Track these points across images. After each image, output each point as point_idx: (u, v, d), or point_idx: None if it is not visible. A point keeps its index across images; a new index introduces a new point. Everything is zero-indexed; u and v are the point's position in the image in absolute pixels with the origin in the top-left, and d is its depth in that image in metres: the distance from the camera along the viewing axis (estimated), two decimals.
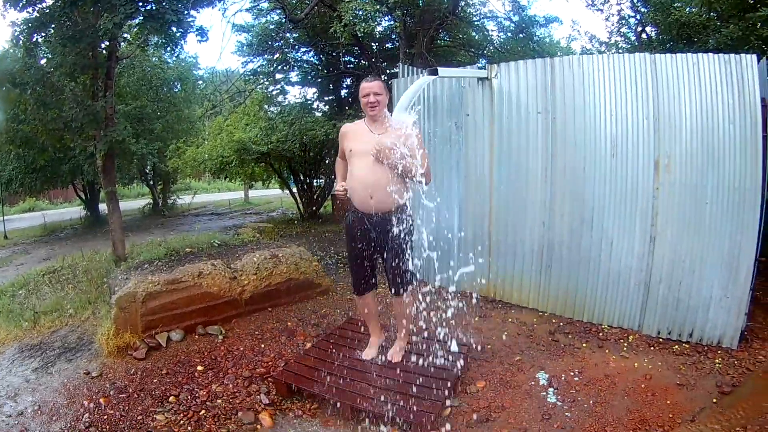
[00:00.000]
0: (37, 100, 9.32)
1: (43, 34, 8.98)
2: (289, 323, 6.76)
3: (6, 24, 9.09)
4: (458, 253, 7.65)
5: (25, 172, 18.26)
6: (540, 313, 6.85)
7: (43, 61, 9.57)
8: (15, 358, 6.13)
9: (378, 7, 9.73)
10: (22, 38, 8.77)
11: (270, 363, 5.70)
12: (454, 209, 7.62)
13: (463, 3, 14.32)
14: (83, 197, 21.95)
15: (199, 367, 5.60)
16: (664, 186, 5.84)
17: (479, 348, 5.60)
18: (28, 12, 8.65)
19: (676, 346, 5.77)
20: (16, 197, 27.14)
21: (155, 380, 5.36)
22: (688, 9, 10.95)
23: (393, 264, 4.75)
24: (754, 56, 5.33)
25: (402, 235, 4.71)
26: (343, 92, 16.85)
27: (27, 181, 18.91)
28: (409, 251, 4.79)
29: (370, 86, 4.75)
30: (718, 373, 5.16)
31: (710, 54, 5.57)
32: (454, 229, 7.60)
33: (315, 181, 17.00)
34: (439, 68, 5.93)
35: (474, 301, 7.12)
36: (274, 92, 16.95)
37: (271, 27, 14.86)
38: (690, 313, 5.81)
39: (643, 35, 13.49)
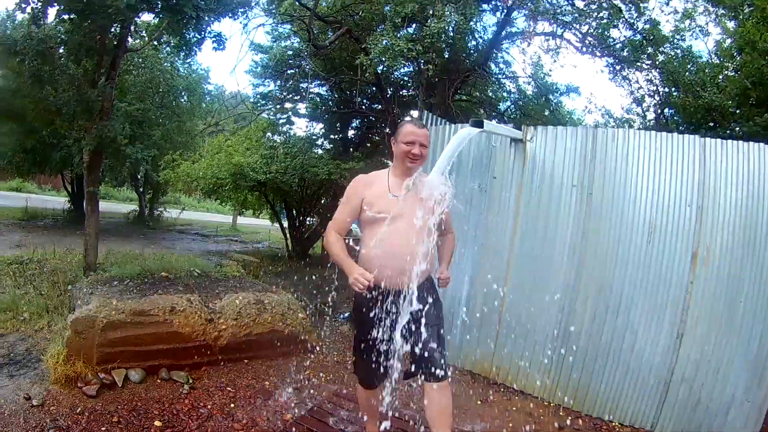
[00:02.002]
0: (33, 74, 8.70)
1: (57, 7, 8.53)
2: (266, 382, 6.01)
3: None
4: (462, 327, 7.05)
5: (15, 151, 18.13)
6: (546, 404, 6.25)
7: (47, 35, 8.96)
8: None
9: (410, 45, 9.25)
10: (31, 5, 8.31)
11: None
12: (464, 279, 7.04)
13: (488, 59, 14.01)
14: (69, 190, 21.82)
15: (157, 422, 4.82)
16: (700, 280, 5.45)
17: None
18: None
19: None
20: (5, 174, 26.84)
21: (103, 428, 4.62)
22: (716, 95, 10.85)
23: (431, 344, 3.72)
24: None
25: (436, 306, 3.86)
26: (351, 133, 16.79)
27: (16, 160, 18.85)
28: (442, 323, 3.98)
29: (417, 133, 3.83)
30: None
31: (760, 143, 5.33)
32: (461, 299, 7.06)
33: (309, 219, 16.57)
34: (484, 121, 5.51)
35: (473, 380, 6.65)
36: (280, 120, 16.61)
37: (289, 53, 14.57)
38: (708, 415, 5.40)
39: (662, 116, 13.39)
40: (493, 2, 11.84)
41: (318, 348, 7.07)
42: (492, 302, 6.72)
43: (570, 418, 5.90)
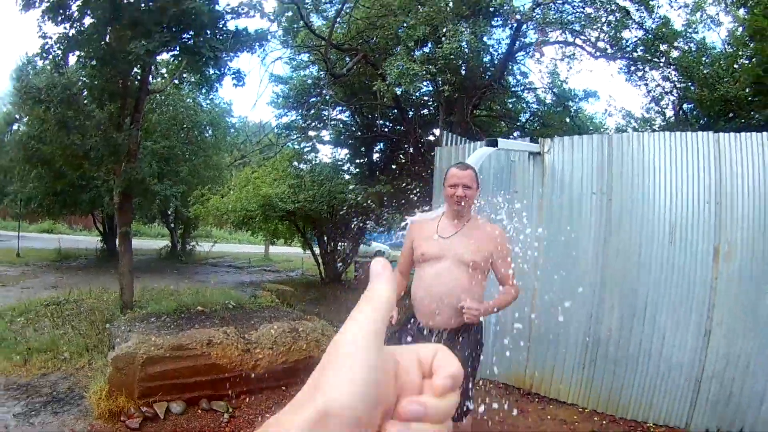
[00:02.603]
0: (60, 121, 8.96)
1: (77, 53, 8.76)
2: None
3: (39, 35, 8.78)
4: (494, 339, 7.09)
5: (45, 193, 18.18)
6: (581, 410, 6.27)
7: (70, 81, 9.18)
8: None
9: (425, 67, 9.36)
10: (53, 53, 8.55)
11: None
12: (494, 292, 6.98)
13: (504, 73, 14.06)
14: (100, 229, 22.01)
15: None
16: (723, 276, 5.47)
17: None
18: (64, 27, 8.52)
19: None
20: (36, 216, 27.11)
21: None
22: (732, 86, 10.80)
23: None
24: None
25: (471, 350, 3.92)
26: (375, 156, 16.79)
27: (46, 203, 18.90)
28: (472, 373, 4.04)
29: (460, 176, 3.90)
30: None
31: None
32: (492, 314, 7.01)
33: (340, 244, 16.60)
34: (498, 140, 5.55)
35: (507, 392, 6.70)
36: (305, 149, 16.81)
37: (309, 82, 14.79)
38: (740, 409, 5.37)
39: (681, 112, 13.30)
40: (501, 18, 11.90)
41: None
42: (521, 313, 6.76)
43: (604, 422, 5.94)
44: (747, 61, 11.82)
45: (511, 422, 5.85)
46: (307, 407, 0.51)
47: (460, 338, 3.87)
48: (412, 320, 4.02)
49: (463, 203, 3.88)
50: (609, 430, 5.78)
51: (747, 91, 10.94)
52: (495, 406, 5.75)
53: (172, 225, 24.04)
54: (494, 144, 5.54)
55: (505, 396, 6.55)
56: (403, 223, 4.45)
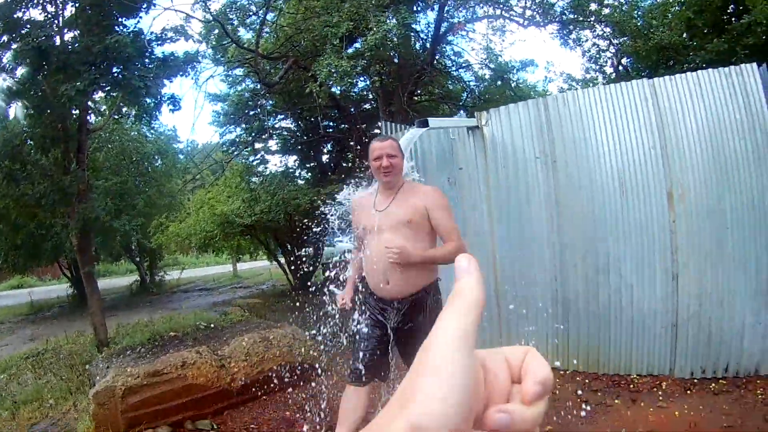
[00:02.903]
0: (7, 175, 8.86)
1: (17, 104, 8.83)
2: (287, 412, 6.09)
3: None
4: None
5: (7, 249, 18.13)
6: (561, 372, 6.30)
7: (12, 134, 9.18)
8: None
9: (353, 62, 9.46)
10: None
11: None
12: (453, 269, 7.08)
13: (438, 55, 14.18)
14: (69, 275, 21.75)
15: None
16: (681, 217, 5.54)
17: None
18: (2, 78, 8.61)
19: (713, 385, 5.40)
20: (2, 273, 26.96)
21: None
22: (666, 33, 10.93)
23: (412, 356, 3.84)
24: (754, 65, 5.22)
25: (431, 324, 3.91)
26: (324, 158, 16.94)
27: (10, 258, 18.84)
28: None
29: (381, 147, 3.96)
30: (762, 404, 4.89)
31: (710, 70, 5.42)
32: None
33: (303, 250, 16.64)
34: (429, 119, 5.61)
35: None
36: (254, 162, 16.84)
37: (246, 95, 14.82)
38: (723, 347, 5.47)
39: (620, 67, 13.49)
40: (423, 2, 12.00)
41: (329, 370, 7.17)
42: (486, 289, 6.80)
43: (587, 380, 6.00)
44: (678, 8, 12.02)
45: None
46: (399, 419, 0.49)
47: (421, 303, 3.94)
48: (369, 294, 4.09)
49: (390, 172, 3.93)
50: (593, 388, 5.81)
51: (682, 37, 11.14)
52: None
53: (138, 259, 23.84)
54: (425, 124, 5.53)
55: None
56: (341, 200, 4.54)
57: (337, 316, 4.68)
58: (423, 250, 3.88)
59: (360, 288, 4.28)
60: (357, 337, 4.13)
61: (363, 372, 4.03)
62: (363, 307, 4.13)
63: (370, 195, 4.18)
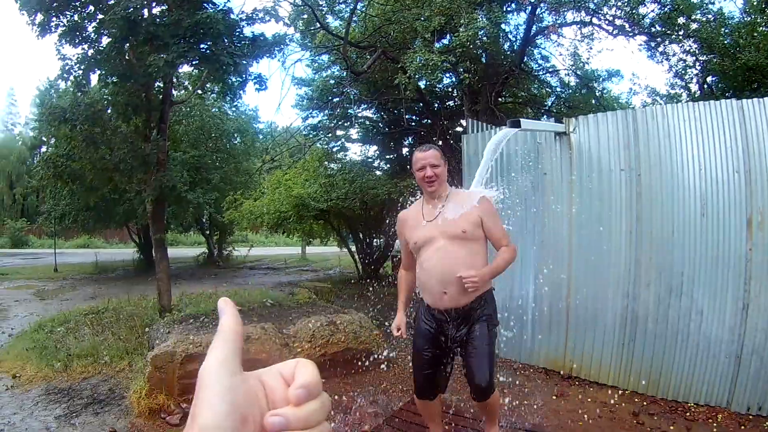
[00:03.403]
0: (86, 138, 9.06)
1: (99, 72, 8.91)
2: (345, 398, 6.12)
3: (58, 58, 8.98)
4: (533, 325, 7.07)
5: (78, 209, 18.51)
6: (620, 392, 6.18)
7: (93, 99, 9.39)
8: (39, 401, 5.91)
9: (444, 57, 9.40)
10: (74, 74, 8.70)
11: None
12: (530, 277, 7.05)
13: (525, 58, 14.03)
14: (137, 240, 22.29)
15: None
16: (758, 246, 5.32)
17: None
18: (83, 48, 8.68)
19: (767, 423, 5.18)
20: (71, 232, 27.66)
21: None
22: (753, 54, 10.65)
23: (475, 366, 3.84)
24: None
25: (487, 329, 3.92)
26: (405, 151, 16.76)
27: (80, 218, 19.24)
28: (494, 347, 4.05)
29: (424, 156, 3.97)
30: None
31: None
32: (528, 298, 7.08)
33: (375, 240, 16.64)
34: (521, 120, 5.56)
35: (547, 376, 6.65)
36: (334, 148, 16.96)
37: (332, 82, 14.92)
38: None
39: (705, 85, 13.17)
40: (516, 3, 11.87)
41: (392, 362, 7.22)
42: (558, 296, 6.75)
43: (645, 403, 5.87)
44: (766, 29, 11.70)
45: (552, 407, 5.83)
46: (193, 428, 0.59)
47: (478, 310, 3.90)
48: (425, 308, 4.06)
49: (434, 182, 3.94)
50: (650, 411, 5.69)
51: None
52: (535, 391, 5.81)
53: (208, 232, 24.35)
54: (517, 125, 5.53)
55: (546, 381, 6.53)
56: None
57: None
58: (488, 266, 3.90)
59: (414, 305, 4.35)
60: (414, 355, 4.17)
61: (426, 393, 4.15)
62: (420, 324, 4.12)
63: (417, 208, 4.17)
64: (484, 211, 3.91)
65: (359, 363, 6.76)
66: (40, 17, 8.35)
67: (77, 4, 8.52)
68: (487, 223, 3.90)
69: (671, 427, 5.30)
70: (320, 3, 13.02)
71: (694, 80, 13.98)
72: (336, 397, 6.03)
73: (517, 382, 5.97)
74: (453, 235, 3.82)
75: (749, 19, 12.30)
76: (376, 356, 7.02)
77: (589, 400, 6.04)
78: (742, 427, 5.18)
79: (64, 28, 8.50)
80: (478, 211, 3.89)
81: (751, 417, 5.33)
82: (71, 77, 8.77)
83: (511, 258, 3.94)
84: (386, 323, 8.77)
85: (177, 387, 5.63)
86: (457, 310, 3.87)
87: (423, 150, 4.03)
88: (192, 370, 5.60)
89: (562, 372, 6.76)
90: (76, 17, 8.57)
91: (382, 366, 7.02)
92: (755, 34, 11.49)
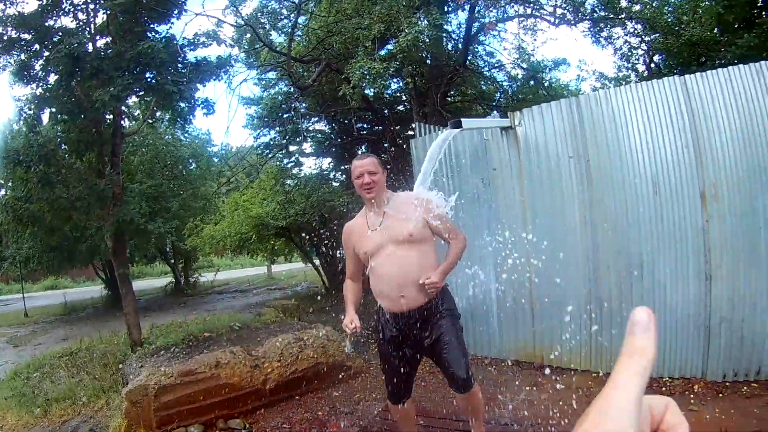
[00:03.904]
0: (41, 179, 8.94)
1: (49, 110, 8.92)
2: (319, 412, 6.14)
3: (9, 99, 9.20)
4: (498, 319, 7.12)
5: (42, 251, 18.21)
6: (594, 375, 6.26)
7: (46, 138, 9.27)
8: None
9: (386, 64, 9.45)
10: (24, 114, 8.78)
11: None
12: (490, 273, 7.08)
13: (471, 56, 14.14)
14: (103, 277, 21.97)
15: None
16: (714, 218, 5.46)
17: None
18: (32, 87, 8.73)
19: (745, 388, 5.34)
20: (37, 275, 27.38)
21: None
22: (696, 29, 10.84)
23: (451, 359, 3.90)
24: None
25: (452, 323, 3.96)
26: None
27: (45, 260, 18.88)
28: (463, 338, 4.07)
29: (361, 164, 3.99)
30: None
31: (741, 65, 5.33)
32: (491, 293, 7.11)
33: (338, 252, 16.64)
34: (462, 120, 5.59)
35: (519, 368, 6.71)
36: (288, 165, 16.90)
37: (280, 98, 14.83)
38: (755, 350, 5.39)
39: (652, 65, 13.37)
40: (454, 2, 11.95)
41: (364, 372, 7.22)
42: (520, 289, 6.78)
43: None
44: (708, 3, 11.90)
45: (528, 398, 5.86)
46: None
47: (438, 306, 3.94)
48: (384, 315, 4.07)
49: (373, 189, 3.97)
50: None
51: (713, 32, 11.03)
52: (509, 384, 5.87)
53: (172, 261, 24.11)
54: (458, 125, 5.55)
55: (519, 373, 6.57)
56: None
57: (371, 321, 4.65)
58: (443, 265, 3.94)
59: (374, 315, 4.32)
60: (383, 362, 4.24)
61: (397, 395, 4.19)
62: (383, 331, 4.14)
63: (361, 219, 4.19)
64: (425, 210, 3.93)
65: (330, 377, 6.77)
66: None
67: (23, 43, 8.52)
68: (431, 222, 3.93)
69: None
70: (262, 21, 13.01)
71: (641, 61, 14.19)
72: (310, 413, 6.04)
73: (490, 378, 6.00)
74: (400, 240, 3.85)
75: None
76: (346, 368, 7.03)
77: (563, 387, 6.07)
78: (720, 395, 5.31)
79: (12, 68, 8.53)
80: (419, 211, 3.91)
81: (727, 384, 5.47)
82: (23, 117, 8.78)
83: (461, 248, 4.00)
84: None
85: (155, 419, 5.59)
86: (418, 310, 3.89)
87: (360, 158, 4.08)
88: (167, 402, 5.64)
89: (534, 362, 6.79)
90: (23, 56, 8.58)
91: (354, 377, 7.04)
92: (698, 10, 11.70)
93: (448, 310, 3.98)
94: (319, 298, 15.37)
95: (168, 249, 22.34)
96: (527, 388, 6.13)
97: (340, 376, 6.88)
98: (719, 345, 5.53)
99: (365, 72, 9.33)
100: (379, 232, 3.93)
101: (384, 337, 4.11)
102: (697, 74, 5.53)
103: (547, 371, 6.57)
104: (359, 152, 16.39)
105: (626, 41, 13.47)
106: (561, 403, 5.54)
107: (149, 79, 8.46)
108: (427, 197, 4.10)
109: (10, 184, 13.67)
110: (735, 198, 5.35)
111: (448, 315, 3.95)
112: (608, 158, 6.00)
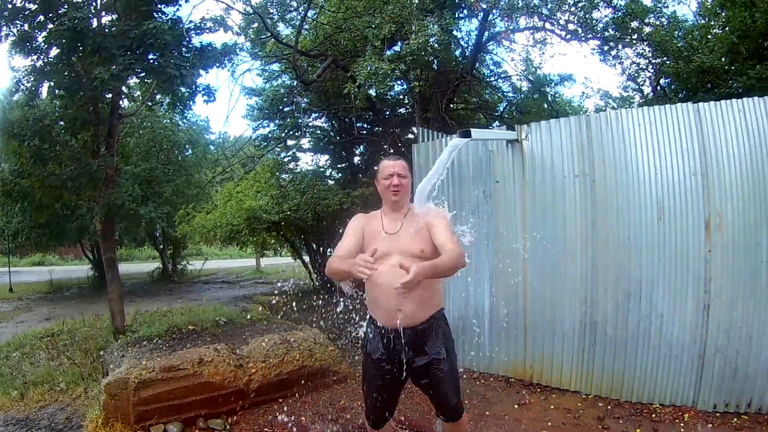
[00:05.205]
0: (35, 154, 8.89)
1: (48, 84, 8.76)
2: (303, 418, 5.92)
3: (7, 69, 9.14)
4: (490, 333, 7.00)
5: (31, 227, 18.30)
6: (584, 397, 6.17)
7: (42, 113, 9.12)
8: None
9: (393, 66, 9.33)
10: (23, 86, 8.69)
11: None
12: (485, 285, 6.98)
13: (477, 64, 14.06)
14: (90, 257, 22.09)
15: None
16: (717, 248, 5.38)
17: None
18: (32, 59, 8.57)
19: (735, 420, 5.28)
20: (25, 250, 27.31)
21: None
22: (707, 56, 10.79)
23: (444, 389, 3.74)
24: None
25: (447, 350, 3.78)
26: (356, 159, 16.82)
27: (33, 236, 19.00)
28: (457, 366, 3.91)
29: (393, 165, 3.86)
30: None
31: (755, 97, 5.27)
32: (484, 306, 7.00)
33: (329, 250, 16.52)
34: (471, 130, 5.49)
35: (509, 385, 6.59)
36: (285, 159, 16.83)
37: (282, 91, 14.73)
38: (748, 382, 5.33)
39: (658, 87, 13.36)
40: (468, 9, 11.85)
41: (350, 377, 7.01)
42: (514, 304, 6.69)
43: (609, 406, 5.85)
44: (720, 31, 11.87)
45: (515, 416, 5.75)
46: None
47: (434, 329, 3.80)
48: (376, 330, 3.87)
49: (400, 192, 3.84)
50: (615, 415, 5.67)
51: (723, 60, 10.97)
52: (497, 401, 5.79)
53: (161, 246, 24.13)
54: (467, 135, 5.46)
55: (507, 389, 6.47)
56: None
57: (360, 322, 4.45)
58: (428, 261, 3.50)
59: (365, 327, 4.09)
60: (365, 382, 4.05)
61: (377, 420, 4.04)
62: (370, 348, 3.92)
63: (376, 218, 4.00)
64: (428, 222, 3.78)
65: (315, 381, 6.59)
66: None
67: (27, 13, 8.37)
68: (432, 230, 3.74)
69: (638, 430, 5.32)
70: (270, 11, 12.91)
71: (647, 83, 14.20)
72: (293, 418, 5.86)
73: (478, 392, 5.89)
74: (411, 254, 3.64)
75: (703, 21, 12.49)
76: (332, 373, 6.85)
77: (552, 407, 6.00)
78: (710, 425, 5.25)
79: (14, 38, 8.37)
80: (425, 225, 3.77)
81: (718, 414, 5.42)
82: (21, 89, 8.71)
83: (452, 260, 3.49)
84: (341, 336, 8.68)
85: (133, 414, 5.40)
86: (414, 330, 3.71)
87: (392, 159, 3.95)
88: (147, 397, 5.45)
89: (523, 380, 6.70)
90: (26, 27, 8.43)
91: (340, 382, 6.87)
92: (709, 37, 11.66)
93: (444, 335, 3.83)
94: (307, 294, 15.29)
95: (158, 234, 22.32)
96: (515, 406, 6.05)
97: (326, 381, 6.71)
98: (712, 375, 5.47)
99: (372, 71, 9.21)
100: (393, 238, 3.76)
101: (370, 357, 3.91)
102: (711, 102, 5.46)
103: (537, 390, 6.48)
104: (358, 152, 16.35)
105: (634, 62, 13.41)
106: (549, 423, 5.54)
107: (151, 61, 8.29)
108: (435, 209, 4.04)
109: (3, 156, 13.58)
110: (740, 229, 5.30)
111: (443, 341, 3.80)
112: (614, 180, 5.91)
